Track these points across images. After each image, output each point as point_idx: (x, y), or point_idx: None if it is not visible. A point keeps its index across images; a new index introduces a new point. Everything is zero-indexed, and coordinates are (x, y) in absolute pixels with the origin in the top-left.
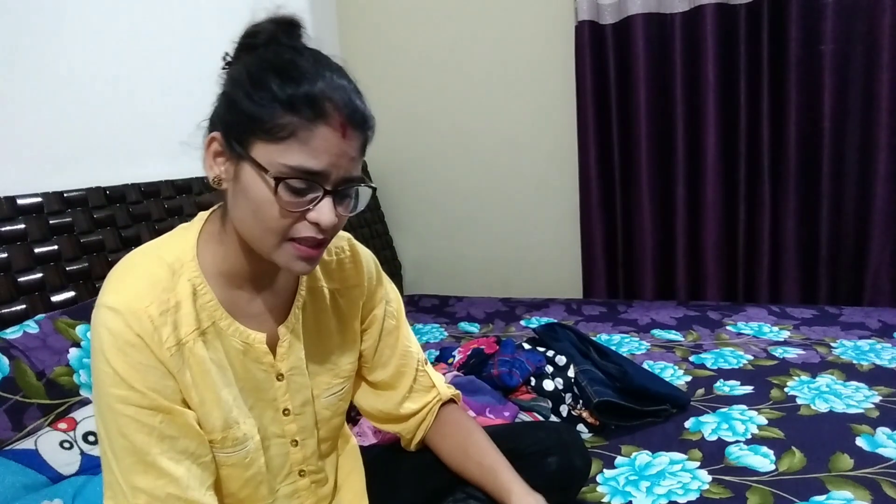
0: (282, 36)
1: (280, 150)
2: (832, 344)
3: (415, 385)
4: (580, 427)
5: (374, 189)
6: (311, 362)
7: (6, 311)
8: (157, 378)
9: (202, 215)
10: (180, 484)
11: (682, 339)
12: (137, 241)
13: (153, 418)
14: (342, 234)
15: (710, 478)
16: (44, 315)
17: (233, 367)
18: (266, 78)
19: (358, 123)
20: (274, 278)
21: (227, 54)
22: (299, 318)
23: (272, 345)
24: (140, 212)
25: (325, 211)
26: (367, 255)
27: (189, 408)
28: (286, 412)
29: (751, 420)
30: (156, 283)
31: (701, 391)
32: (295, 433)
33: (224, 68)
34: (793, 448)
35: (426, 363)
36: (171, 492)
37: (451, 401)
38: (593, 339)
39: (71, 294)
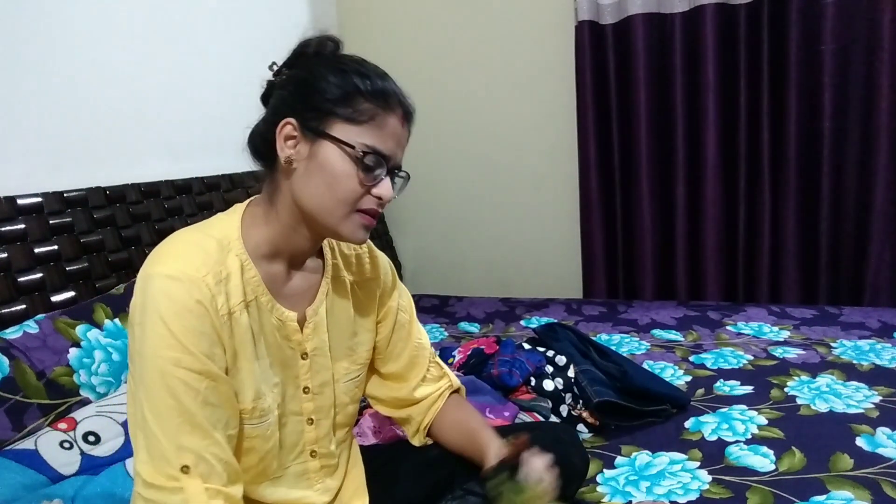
0: (328, 48)
1: (359, 131)
2: (832, 344)
3: (427, 375)
4: (580, 427)
5: (408, 177)
6: (332, 346)
7: (6, 311)
8: (208, 344)
9: (240, 205)
10: (221, 448)
11: (682, 339)
12: (137, 241)
13: (200, 383)
14: None
15: (710, 478)
16: (44, 315)
17: (267, 342)
18: (347, 73)
19: (411, 118)
20: (305, 262)
21: (274, 63)
22: (324, 302)
23: (300, 325)
24: (140, 212)
25: (387, 186)
26: (383, 256)
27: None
28: (306, 390)
29: (751, 420)
30: (209, 255)
31: (701, 391)
32: (311, 412)
33: (276, 74)
34: (793, 448)
35: (435, 355)
36: (216, 452)
37: (463, 398)
38: (593, 339)
39: (71, 294)
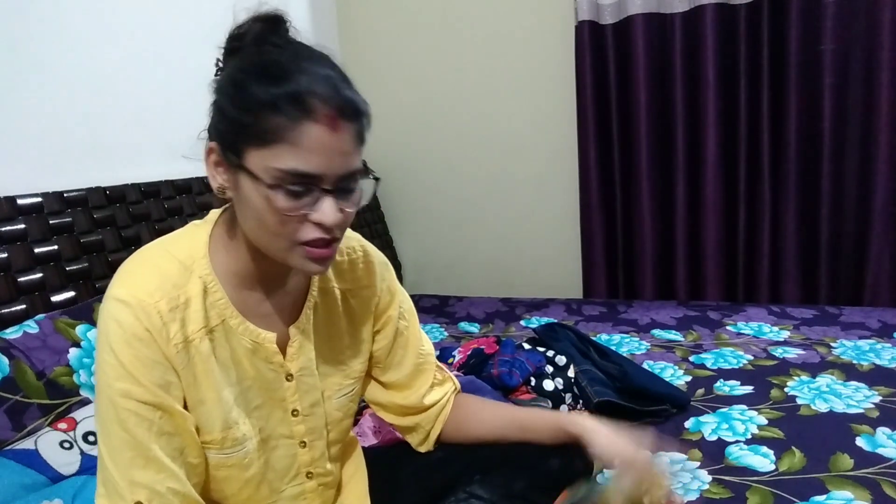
0: (268, 34)
1: (271, 155)
2: (832, 344)
3: (434, 381)
4: None
5: (378, 179)
6: (321, 363)
7: (6, 311)
8: (161, 373)
9: (214, 213)
10: (178, 479)
11: (682, 339)
12: (137, 241)
13: (153, 413)
14: (353, 235)
15: (710, 478)
16: (44, 315)
17: (240, 367)
18: (246, 81)
19: (349, 114)
20: (285, 280)
21: (218, 60)
22: (310, 318)
23: (282, 345)
24: (140, 212)
25: (327, 211)
26: (379, 258)
27: (187, 407)
28: (295, 413)
29: (751, 420)
30: (167, 278)
31: (701, 391)
32: (303, 434)
33: (216, 75)
34: (793, 448)
35: (435, 360)
36: (171, 486)
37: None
38: (593, 339)
39: (71, 294)
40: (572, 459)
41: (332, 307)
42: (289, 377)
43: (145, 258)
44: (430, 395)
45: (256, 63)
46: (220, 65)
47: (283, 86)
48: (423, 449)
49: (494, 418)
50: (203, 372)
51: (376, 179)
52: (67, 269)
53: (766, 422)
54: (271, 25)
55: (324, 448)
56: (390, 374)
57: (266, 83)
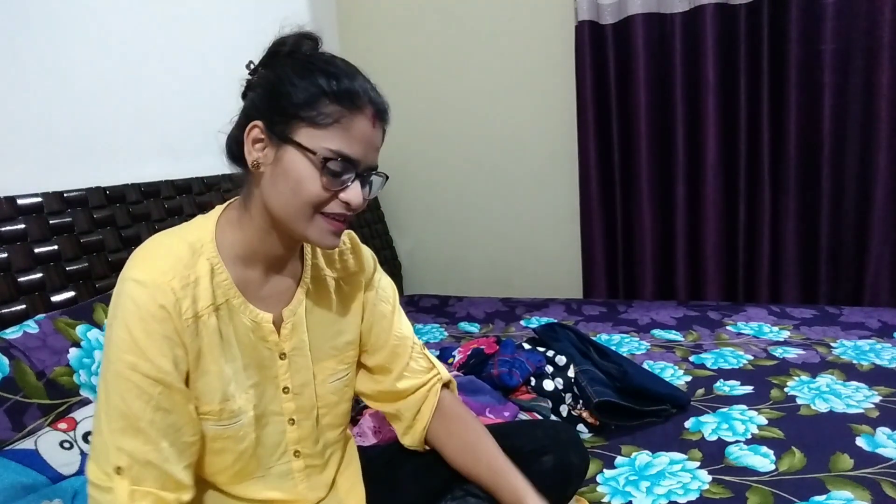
0: (304, 46)
1: (323, 136)
2: (832, 344)
3: (411, 364)
4: (580, 427)
5: (387, 178)
6: (314, 347)
7: (6, 311)
8: (169, 348)
9: (218, 207)
10: (161, 455)
11: (682, 339)
12: (137, 241)
13: (154, 388)
14: None
15: (710, 478)
16: (44, 315)
17: (240, 344)
18: (312, 74)
19: (383, 117)
20: (284, 265)
21: (251, 62)
22: (302, 302)
23: (277, 326)
24: (140, 212)
25: (355, 192)
26: (365, 247)
27: (189, 379)
28: (286, 390)
29: (751, 420)
30: (178, 259)
31: (701, 391)
32: (293, 412)
33: (252, 73)
34: (793, 448)
35: (423, 348)
36: (151, 459)
37: (456, 395)
38: (593, 339)
39: (71, 294)
40: (567, 454)
41: (324, 295)
42: (282, 356)
43: (158, 243)
44: (403, 380)
45: (318, 62)
46: (253, 65)
47: (343, 82)
48: (408, 440)
49: (469, 453)
50: (208, 346)
51: (385, 177)
52: (67, 269)
53: (766, 422)
54: (308, 40)
55: (312, 428)
56: (373, 357)
57: (330, 78)
